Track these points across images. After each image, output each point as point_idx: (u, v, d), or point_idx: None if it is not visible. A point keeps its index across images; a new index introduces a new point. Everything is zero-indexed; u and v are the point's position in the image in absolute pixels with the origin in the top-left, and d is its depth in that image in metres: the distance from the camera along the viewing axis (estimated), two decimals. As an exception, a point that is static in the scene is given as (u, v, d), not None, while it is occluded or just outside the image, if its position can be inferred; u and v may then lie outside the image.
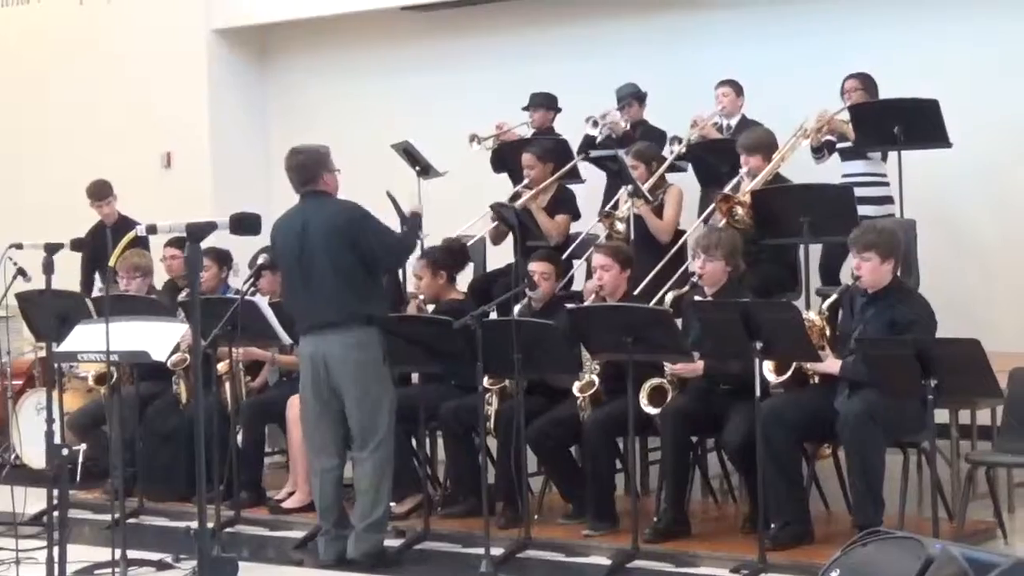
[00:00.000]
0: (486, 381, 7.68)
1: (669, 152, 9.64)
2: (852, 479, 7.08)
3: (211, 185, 12.89)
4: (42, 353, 9.89)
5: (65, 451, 6.20)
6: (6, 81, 13.91)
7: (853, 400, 6.96)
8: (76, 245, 7.57)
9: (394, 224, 8.06)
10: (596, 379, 7.69)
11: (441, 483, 8.66)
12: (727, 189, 8.60)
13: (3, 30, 14.10)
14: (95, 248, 10.22)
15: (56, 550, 6.34)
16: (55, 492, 6.68)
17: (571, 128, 10.42)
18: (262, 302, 8.18)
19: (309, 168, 7.46)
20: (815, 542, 7.12)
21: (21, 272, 8.56)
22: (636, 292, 8.10)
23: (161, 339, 7.06)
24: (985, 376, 6.40)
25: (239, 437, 8.80)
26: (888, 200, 9.09)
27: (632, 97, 10.27)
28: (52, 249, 6.40)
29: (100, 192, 11.04)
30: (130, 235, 5.18)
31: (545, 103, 10.61)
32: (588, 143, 10.15)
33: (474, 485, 7.77)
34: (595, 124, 10.15)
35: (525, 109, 10.65)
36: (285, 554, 7.92)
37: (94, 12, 13.60)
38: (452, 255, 8.83)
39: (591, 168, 10.13)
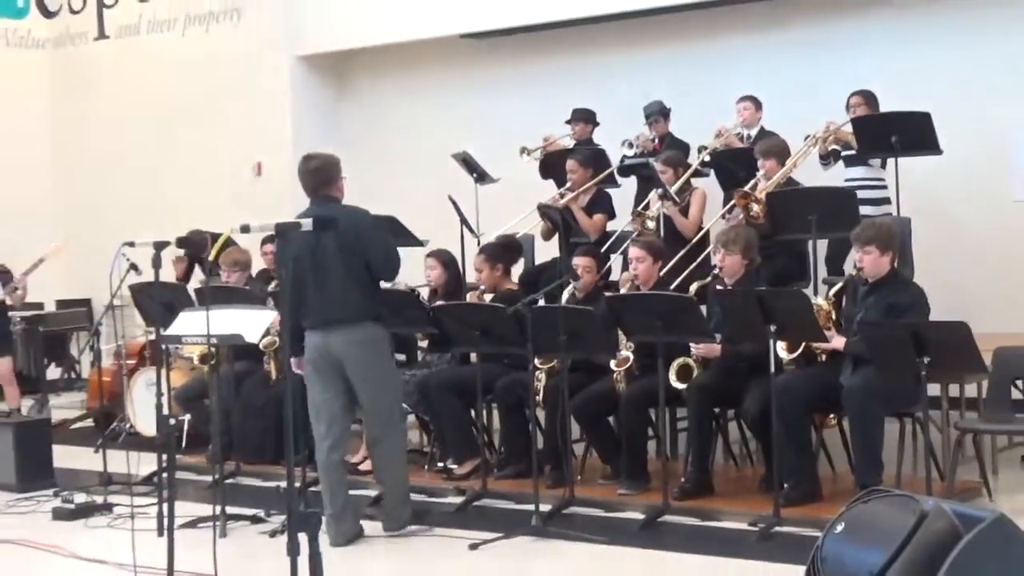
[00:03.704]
0: (536, 360, 7.70)
1: (696, 159, 9.62)
2: (855, 444, 7.06)
3: (293, 191, 12.91)
4: (152, 336, 9.98)
5: (172, 421, 6.24)
6: (124, 104, 14.06)
7: (856, 376, 6.94)
8: (181, 242, 7.59)
9: (450, 219, 7.96)
10: (631, 355, 7.68)
11: (496, 449, 8.68)
12: (746, 188, 8.58)
13: (120, 59, 14.28)
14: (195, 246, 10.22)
15: (165, 506, 6.40)
16: (164, 456, 6.74)
17: (608, 139, 10.41)
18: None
19: (324, 173, 7.09)
20: (823, 500, 7.10)
21: (133, 267, 8.59)
22: (672, 287, 8.05)
23: (254, 324, 7.05)
24: (972, 354, 6.37)
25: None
26: (886, 201, 9.04)
27: (659, 114, 10.26)
28: (160, 246, 6.42)
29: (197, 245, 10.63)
30: (227, 233, 5.20)
31: (585, 117, 10.60)
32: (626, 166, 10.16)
33: (525, 450, 7.78)
34: (630, 145, 10.08)
35: (568, 123, 10.63)
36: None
37: (194, 42, 13.78)
38: (507, 250, 8.88)
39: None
